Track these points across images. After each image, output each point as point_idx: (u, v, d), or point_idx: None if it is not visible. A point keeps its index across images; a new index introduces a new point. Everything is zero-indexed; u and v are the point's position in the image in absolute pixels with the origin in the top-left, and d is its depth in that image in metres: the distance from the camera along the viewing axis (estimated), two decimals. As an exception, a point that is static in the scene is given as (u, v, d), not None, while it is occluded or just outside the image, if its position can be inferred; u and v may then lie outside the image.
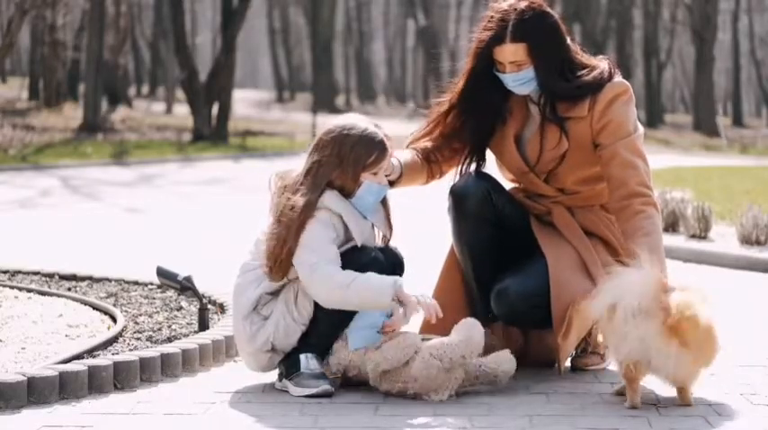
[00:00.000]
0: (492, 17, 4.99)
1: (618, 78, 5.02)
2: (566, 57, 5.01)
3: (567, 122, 5.00)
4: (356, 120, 4.90)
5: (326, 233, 4.76)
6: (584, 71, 5.01)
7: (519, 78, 4.98)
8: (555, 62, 4.97)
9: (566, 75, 4.99)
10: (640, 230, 4.82)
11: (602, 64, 5.05)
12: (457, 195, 5.07)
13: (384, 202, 4.99)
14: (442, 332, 4.82)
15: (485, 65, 5.02)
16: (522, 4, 4.97)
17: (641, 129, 5.06)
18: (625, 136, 4.95)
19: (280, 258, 4.74)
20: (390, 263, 4.84)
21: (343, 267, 4.72)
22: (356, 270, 4.70)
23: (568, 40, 5.05)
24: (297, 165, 4.92)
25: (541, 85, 4.98)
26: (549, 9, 5.02)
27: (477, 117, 5.13)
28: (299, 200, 4.75)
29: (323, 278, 4.69)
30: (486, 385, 4.79)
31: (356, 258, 4.77)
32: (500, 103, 5.12)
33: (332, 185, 4.81)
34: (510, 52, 4.94)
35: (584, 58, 5.07)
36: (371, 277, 4.69)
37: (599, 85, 4.98)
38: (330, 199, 4.79)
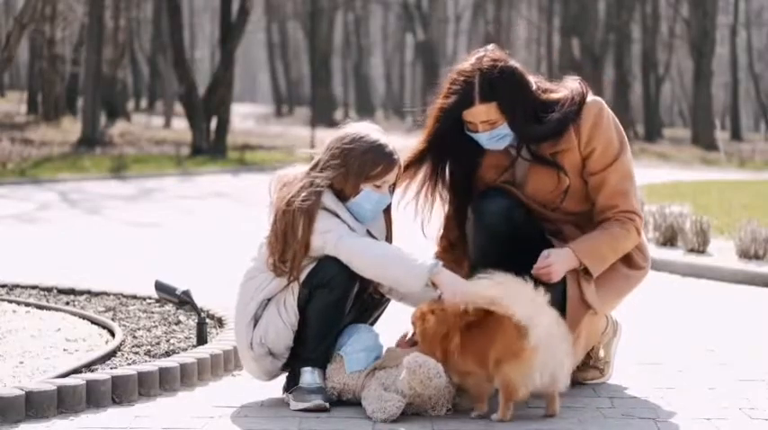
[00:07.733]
0: (455, 80, 4.90)
1: (590, 97, 4.98)
2: (536, 102, 4.94)
3: (558, 157, 4.96)
4: (369, 131, 4.88)
5: (336, 220, 4.75)
6: (556, 107, 4.93)
7: (494, 135, 4.92)
8: (527, 112, 4.91)
9: (539, 117, 4.93)
10: (600, 227, 4.89)
11: (568, 90, 4.98)
12: (478, 211, 5.01)
13: (387, 211, 4.97)
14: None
15: (452, 128, 4.94)
16: (485, 63, 4.89)
17: (626, 140, 5.03)
18: (612, 161, 4.94)
19: (291, 253, 4.71)
20: None
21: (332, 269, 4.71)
22: (349, 275, 4.71)
23: (532, 81, 4.98)
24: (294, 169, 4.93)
25: (520, 136, 4.93)
26: (511, 60, 4.94)
27: (467, 184, 5.10)
28: (299, 194, 4.72)
29: (357, 246, 4.68)
30: None
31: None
32: (480, 158, 5.07)
33: (331, 188, 4.80)
34: (481, 112, 4.88)
35: (551, 91, 5.00)
36: (411, 255, 4.68)
37: (576, 112, 4.93)
38: (326, 198, 4.77)
